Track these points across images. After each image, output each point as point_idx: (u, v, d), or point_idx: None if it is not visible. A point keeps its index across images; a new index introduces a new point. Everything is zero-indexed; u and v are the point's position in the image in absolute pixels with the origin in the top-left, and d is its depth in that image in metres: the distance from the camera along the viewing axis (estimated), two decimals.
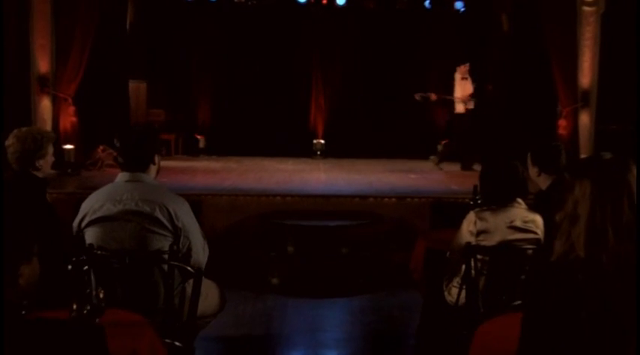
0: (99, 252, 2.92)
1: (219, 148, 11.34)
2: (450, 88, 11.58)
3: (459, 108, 9.46)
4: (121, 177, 3.05)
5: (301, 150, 11.25)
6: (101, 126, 9.02)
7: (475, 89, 11.15)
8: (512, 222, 3.35)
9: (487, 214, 3.40)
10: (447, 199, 6.52)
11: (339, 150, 11.33)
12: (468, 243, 3.32)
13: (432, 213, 6.41)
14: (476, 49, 11.35)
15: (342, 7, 11.39)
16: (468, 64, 9.59)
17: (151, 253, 2.95)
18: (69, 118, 8.02)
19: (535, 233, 3.37)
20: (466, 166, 9.40)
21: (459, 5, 11.45)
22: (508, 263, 3.32)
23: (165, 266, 2.93)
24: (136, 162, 3.04)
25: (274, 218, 6.05)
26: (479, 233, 3.34)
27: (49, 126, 7.66)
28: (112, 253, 2.92)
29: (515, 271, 3.29)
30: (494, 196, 3.48)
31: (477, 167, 9.31)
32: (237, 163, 9.94)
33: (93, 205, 2.99)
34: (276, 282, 5.54)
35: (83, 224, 3.00)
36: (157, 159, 3.12)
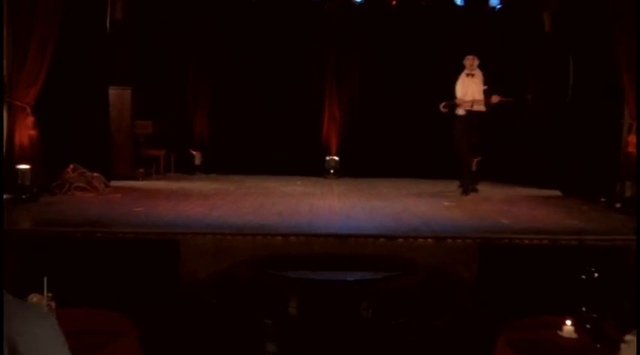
0: None
1: (217, 165, 9.88)
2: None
3: (460, 110, 7.85)
4: None
5: (312, 168, 9.78)
6: (73, 141, 7.58)
7: (505, 96, 9.68)
8: None
9: None
10: (499, 240, 4.98)
11: (355, 168, 9.83)
12: None
13: (481, 259, 4.88)
14: (513, 52, 9.82)
15: (359, 4, 9.91)
16: (474, 57, 7.98)
17: None
18: (27, 131, 6.58)
19: None
20: (466, 188, 7.75)
21: (494, 2, 9.92)
22: None
23: None
24: None
25: (273, 266, 4.55)
26: None
27: None
28: None
29: None
30: None
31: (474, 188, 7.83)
32: (235, 184, 8.45)
33: None
34: None
35: None
36: None
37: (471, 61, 7.97)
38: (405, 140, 10.00)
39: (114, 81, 8.60)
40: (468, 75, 7.94)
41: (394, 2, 9.95)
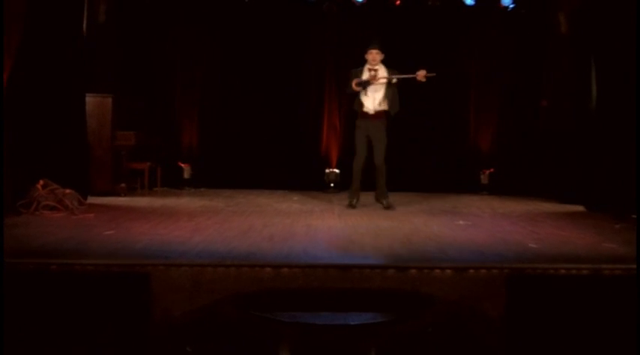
0: None
1: (208, 179, 9.15)
2: (490, 103, 9.35)
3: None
4: None
5: (310, 181, 9.05)
6: (46, 153, 6.81)
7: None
8: None
9: None
10: (530, 270, 4.20)
11: None
12: None
13: (510, 293, 4.10)
14: (526, 55, 9.11)
15: (361, 4, 9.18)
16: (376, 49, 6.84)
17: None
18: None
19: None
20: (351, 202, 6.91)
21: (506, 1, 9.19)
22: None
23: None
24: None
25: (261, 305, 3.79)
26: None
27: None
28: None
29: None
30: None
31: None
32: (226, 201, 7.68)
33: None
34: None
35: None
36: None
37: (373, 55, 6.87)
38: (410, 150, 9.25)
39: (93, 88, 7.85)
40: (370, 71, 6.89)
41: (398, 2, 9.22)
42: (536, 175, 8.91)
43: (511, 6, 9.16)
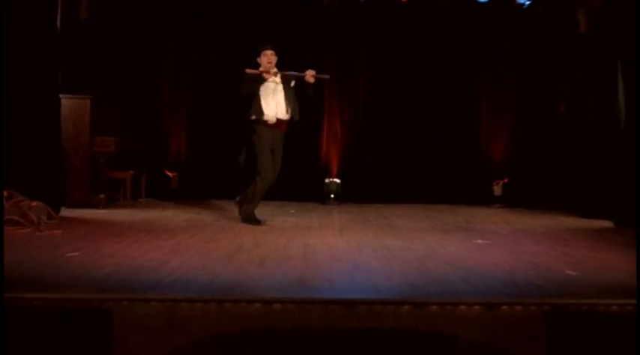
0: None
1: (197, 189, 8.41)
2: (504, 107, 8.64)
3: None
4: None
5: (309, 192, 8.32)
6: (14, 161, 6.08)
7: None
8: None
9: None
10: (575, 306, 3.46)
11: (359, 192, 8.37)
12: None
13: (551, 335, 3.37)
14: (543, 56, 8.41)
15: (364, 1, 8.47)
16: (272, 50, 6.11)
17: None
18: None
19: None
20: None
21: None
22: None
23: None
24: None
25: (246, 351, 3.04)
26: None
27: None
28: None
29: None
30: None
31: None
32: (215, 213, 6.96)
33: None
34: None
35: None
36: None
37: (269, 57, 6.08)
38: (418, 159, 8.53)
39: (70, 89, 7.13)
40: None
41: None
42: (554, 186, 8.18)
43: (527, 3, 8.46)
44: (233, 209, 7.37)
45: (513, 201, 8.25)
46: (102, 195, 7.17)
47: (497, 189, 8.36)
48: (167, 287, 3.51)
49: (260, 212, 7.13)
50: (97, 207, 7.07)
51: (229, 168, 8.49)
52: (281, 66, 8.72)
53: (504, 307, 3.40)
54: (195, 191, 8.38)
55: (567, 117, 8.30)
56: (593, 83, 7.81)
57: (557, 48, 8.35)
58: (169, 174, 8.34)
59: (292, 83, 6.10)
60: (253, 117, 6.04)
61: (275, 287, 3.53)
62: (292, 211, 7.39)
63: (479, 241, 5.42)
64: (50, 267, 3.92)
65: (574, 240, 5.57)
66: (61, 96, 6.90)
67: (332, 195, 8.26)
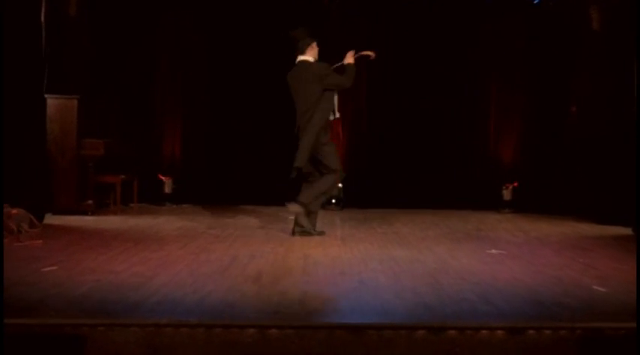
0: None
1: (192, 194, 8.03)
2: (513, 108, 8.25)
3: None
4: None
5: None
6: None
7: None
8: None
9: None
10: (611, 331, 3.07)
11: (362, 197, 7.99)
12: None
13: None
14: (554, 54, 8.02)
15: None
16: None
17: None
18: None
19: None
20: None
21: None
22: None
23: None
24: None
25: None
26: None
27: None
28: None
29: None
30: None
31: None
32: (209, 221, 6.56)
33: None
34: None
35: None
36: None
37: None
38: (423, 161, 8.13)
39: (58, 88, 6.74)
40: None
41: None
42: (567, 191, 7.78)
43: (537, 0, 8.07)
44: (230, 215, 6.99)
45: (524, 205, 7.85)
46: (90, 201, 6.78)
47: (507, 194, 7.96)
48: (151, 308, 3.11)
49: (257, 219, 6.76)
50: (85, 213, 6.68)
51: (227, 172, 8.15)
52: (279, 62, 8.37)
53: (531, 331, 3.01)
54: (190, 196, 7.99)
55: (580, 117, 7.90)
56: (607, 82, 7.44)
57: (568, 45, 7.96)
58: (163, 178, 7.95)
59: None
60: (332, 117, 5.62)
61: (272, 309, 3.13)
62: (292, 217, 6.98)
63: (493, 251, 5.02)
64: (22, 285, 3.52)
65: (595, 250, 5.18)
66: (46, 96, 6.52)
67: (333, 200, 7.86)
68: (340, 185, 7.95)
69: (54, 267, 3.99)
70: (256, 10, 8.00)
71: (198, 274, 3.90)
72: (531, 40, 8.11)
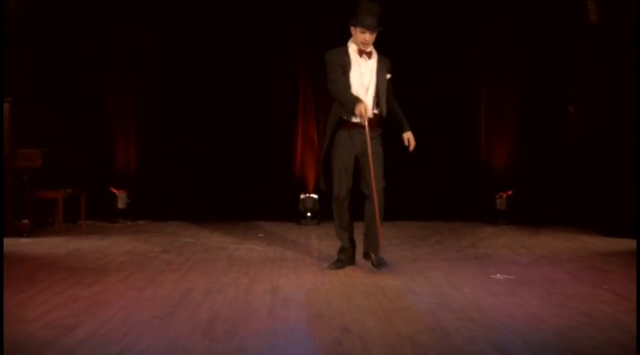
0: None
1: (150, 209, 7.13)
2: (507, 108, 7.51)
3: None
4: None
5: (281, 210, 7.07)
6: None
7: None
8: None
9: None
10: None
11: None
12: None
13: None
14: (550, 49, 7.31)
15: None
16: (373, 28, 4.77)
17: None
18: None
19: None
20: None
21: None
22: None
23: None
24: None
25: None
26: None
27: None
28: None
29: None
30: None
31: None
32: (166, 241, 5.67)
33: None
34: None
35: None
36: None
37: (369, 37, 4.70)
38: (409, 168, 7.28)
39: None
40: (361, 54, 4.73)
41: None
42: (566, 197, 7.06)
43: None
44: (190, 234, 6.11)
45: (519, 216, 7.09)
46: (26, 220, 5.85)
47: (501, 203, 7.19)
48: None
49: (221, 238, 5.90)
50: (19, 234, 5.76)
51: (189, 184, 7.28)
52: (245, 62, 7.55)
53: None
54: (147, 211, 7.09)
55: (578, 118, 7.20)
56: (606, 79, 6.76)
57: (564, 40, 7.25)
58: (116, 191, 7.04)
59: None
60: (341, 116, 4.72)
61: None
62: (261, 235, 6.13)
63: (498, 276, 4.23)
64: None
65: (615, 271, 4.42)
66: None
67: (308, 214, 7.01)
68: (315, 196, 7.13)
69: None
70: (216, 6, 7.15)
71: (135, 321, 3.02)
72: (525, 34, 7.38)
